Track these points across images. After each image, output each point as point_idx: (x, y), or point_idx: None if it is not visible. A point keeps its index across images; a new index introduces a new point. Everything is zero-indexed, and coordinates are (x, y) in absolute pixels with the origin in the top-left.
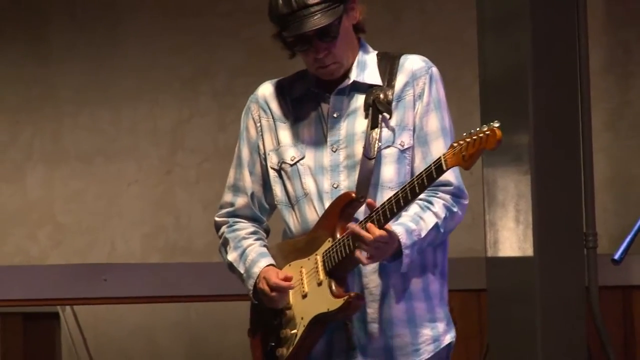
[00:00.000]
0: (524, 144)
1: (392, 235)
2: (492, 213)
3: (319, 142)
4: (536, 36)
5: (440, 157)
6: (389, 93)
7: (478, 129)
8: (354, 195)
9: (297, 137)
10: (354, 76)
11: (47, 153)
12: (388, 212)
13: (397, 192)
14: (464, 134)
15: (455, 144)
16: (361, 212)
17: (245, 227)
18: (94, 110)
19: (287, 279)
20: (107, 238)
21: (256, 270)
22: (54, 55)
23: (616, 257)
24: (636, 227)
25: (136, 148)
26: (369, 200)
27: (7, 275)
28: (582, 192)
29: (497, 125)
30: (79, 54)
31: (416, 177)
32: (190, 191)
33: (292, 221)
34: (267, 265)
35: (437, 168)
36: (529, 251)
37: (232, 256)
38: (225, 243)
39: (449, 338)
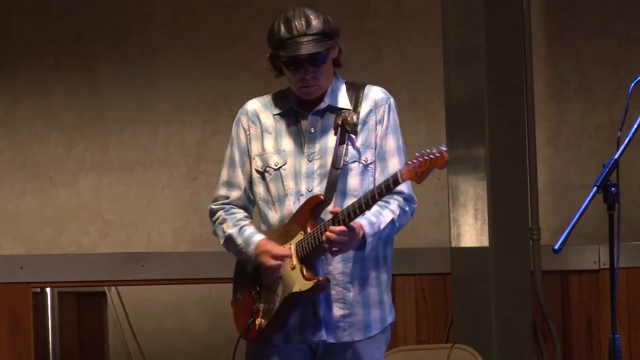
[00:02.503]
0: (481, 156)
1: (354, 229)
2: (455, 211)
3: (297, 152)
4: (491, 69)
5: (397, 172)
6: (355, 117)
7: (429, 150)
8: (322, 197)
9: (279, 147)
10: (328, 100)
11: (97, 163)
12: (352, 214)
13: (360, 198)
14: (417, 153)
15: (409, 162)
16: (326, 211)
17: (240, 212)
18: (135, 128)
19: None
20: (145, 231)
21: (255, 239)
22: (102, 83)
23: (556, 247)
24: (572, 223)
25: (168, 159)
26: (332, 210)
27: (64, 262)
28: (528, 195)
29: (444, 148)
30: (122, 82)
31: (376, 187)
32: (211, 194)
33: (271, 215)
34: (263, 239)
35: (394, 181)
36: (485, 242)
37: (232, 230)
38: (222, 222)
39: (390, 318)
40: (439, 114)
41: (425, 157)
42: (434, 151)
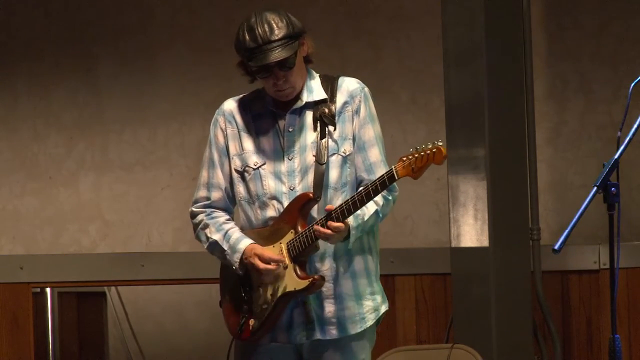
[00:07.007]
0: (481, 156)
1: (345, 224)
2: (455, 212)
3: (276, 151)
4: (491, 69)
5: (392, 168)
6: (332, 107)
7: (424, 145)
8: (311, 195)
9: (258, 146)
10: (305, 98)
11: (97, 163)
12: (346, 211)
13: (354, 195)
14: (411, 149)
15: (404, 158)
16: (315, 210)
17: (222, 215)
18: (135, 128)
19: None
20: (145, 232)
21: (241, 246)
22: (102, 83)
23: (556, 247)
24: (572, 223)
25: (168, 159)
26: (327, 207)
27: (64, 262)
28: (528, 195)
29: (441, 143)
30: (122, 82)
31: (371, 183)
32: None
33: (252, 215)
34: (251, 244)
35: (390, 177)
36: (485, 242)
37: (216, 236)
38: (205, 227)
39: (384, 308)
40: (439, 114)
41: (422, 153)
42: (431, 146)
